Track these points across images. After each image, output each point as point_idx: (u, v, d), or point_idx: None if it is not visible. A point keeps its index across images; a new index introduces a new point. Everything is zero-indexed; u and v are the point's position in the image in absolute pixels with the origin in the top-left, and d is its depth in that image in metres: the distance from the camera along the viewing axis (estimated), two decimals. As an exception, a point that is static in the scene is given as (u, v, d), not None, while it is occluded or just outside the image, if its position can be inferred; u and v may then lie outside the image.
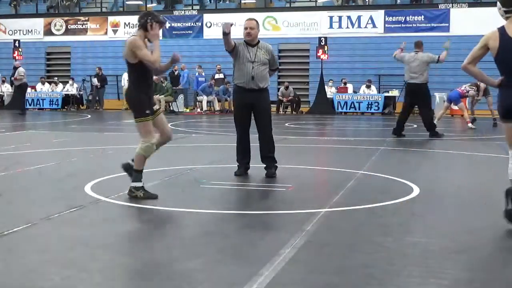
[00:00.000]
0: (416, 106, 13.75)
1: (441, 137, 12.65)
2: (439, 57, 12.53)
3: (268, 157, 7.36)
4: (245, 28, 7.30)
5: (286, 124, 16.84)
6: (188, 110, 23.89)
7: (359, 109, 22.41)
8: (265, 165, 7.36)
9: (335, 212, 5.37)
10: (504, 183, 6.20)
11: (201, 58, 25.00)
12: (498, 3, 5.46)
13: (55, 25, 27.19)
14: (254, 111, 7.37)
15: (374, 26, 23.97)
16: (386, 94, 22.63)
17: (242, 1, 26.84)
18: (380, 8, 24.37)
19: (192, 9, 26.27)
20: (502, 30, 5.21)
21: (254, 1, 26.55)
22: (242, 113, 7.42)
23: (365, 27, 24.08)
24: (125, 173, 6.03)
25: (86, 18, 27.05)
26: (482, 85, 16.50)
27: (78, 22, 26.99)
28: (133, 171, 5.80)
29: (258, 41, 7.41)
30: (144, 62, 5.61)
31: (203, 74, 23.97)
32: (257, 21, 7.45)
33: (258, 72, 7.26)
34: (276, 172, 7.28)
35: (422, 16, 23.51)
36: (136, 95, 5.78)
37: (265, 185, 6.81)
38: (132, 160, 5.89)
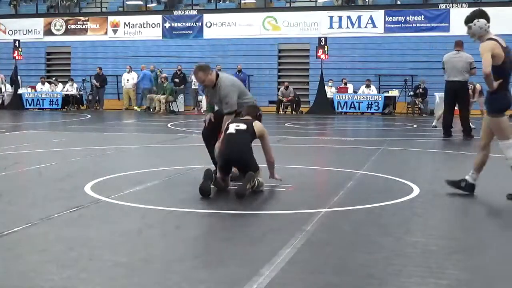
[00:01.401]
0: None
1: (472, 137, 12.37)
2: (472, 69, 12.44)
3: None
4: (197, 81, 7.11)
5: (286, 124, 16.84)
6: (138, 110, 24.37)
7: (359, 109, 22.40)
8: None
9: (335, 212, 5.37)
10: (504, 183, 6.21)
11: (201, 58, 24.97)
12: (481, 22, 5.70)
13: (55, 25, 27.18)
14: None
15: (374, 26, 23.97)
16: (386, 94, 22.62)
17: (242, 1, 26.84)
18: (380, 8, 24.37)
19: (192, 9, 26.27)
20: (496, 40, 5.66)
21: (254, 1, 26.55)
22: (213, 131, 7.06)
23: (365, 27, 24.07)
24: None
25: (86, 18, 27.03)
26: (478, 86, 16.52)
27: (78, 22, 26.98)
28: None
29: (217, 76, 6.87)
30: None
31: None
32: (202, 68, 6.84)
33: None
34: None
35: (422, 16, 23.49)
36: None
37: (265, 185, 6.80)
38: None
